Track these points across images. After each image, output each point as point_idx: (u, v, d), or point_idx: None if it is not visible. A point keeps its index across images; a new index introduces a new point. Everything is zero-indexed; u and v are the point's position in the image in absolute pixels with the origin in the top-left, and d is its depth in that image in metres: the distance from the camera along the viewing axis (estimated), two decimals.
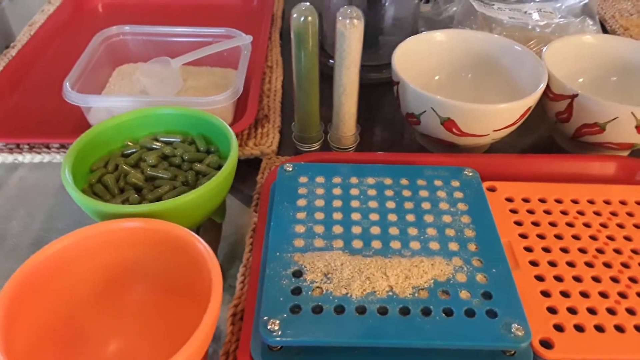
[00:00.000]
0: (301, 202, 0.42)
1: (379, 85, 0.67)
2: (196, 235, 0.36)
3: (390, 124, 0.63)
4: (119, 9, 0.79)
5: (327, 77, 0.53)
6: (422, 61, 0.57)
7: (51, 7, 0.78)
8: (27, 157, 0.54)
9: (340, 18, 0.47)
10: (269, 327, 0.33)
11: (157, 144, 0.48)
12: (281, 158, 0.55)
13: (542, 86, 0.49)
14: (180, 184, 0.45)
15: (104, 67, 0.61)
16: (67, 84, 0.53)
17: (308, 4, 0.47)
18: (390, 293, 0.35)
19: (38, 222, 0.51)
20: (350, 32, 0.47)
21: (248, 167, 0.55)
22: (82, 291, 0.38)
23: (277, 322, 0.33)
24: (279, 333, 0.33)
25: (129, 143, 0.48)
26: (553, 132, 0.59)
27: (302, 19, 0.46)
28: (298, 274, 0.36)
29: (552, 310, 0.37)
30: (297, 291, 0.35)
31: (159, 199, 0.43)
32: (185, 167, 0.47)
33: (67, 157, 0.43)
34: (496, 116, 0.48)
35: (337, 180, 0.44)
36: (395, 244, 0.39)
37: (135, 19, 0.75)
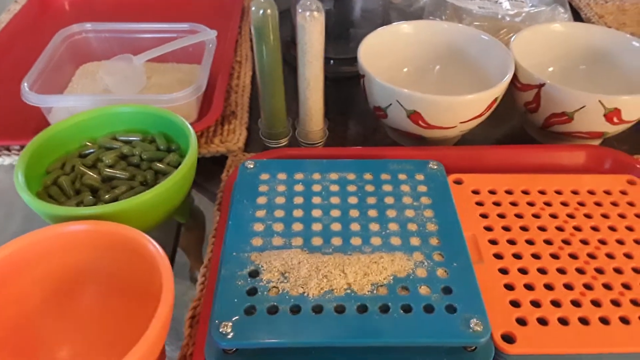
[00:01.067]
0: (261, 200, 0.41)
1: (351, 79, 0.66)
2: (147, 237, 0.35)
3: (363, 118, 0.62)
4: (86, 6, 0.77)
5: (295, 70, 0.52)
6: (389, 53, 0.56)
7: (17, 6, 0.76)
8: None
9: (300, 10, 0.45)
10: (221, 329, 0.32)
11: (116, 143, 0.47)
12: (247, 155, 0.54)
13: (509, 76, 0.48)
14: (138, 184, 0.44)
15: (66, 66, 0.60)
16: (25, 84, 0.52)
17: None
18: (349, 291, 0.34)
19: (14, 224, 0.49)
20: (311, 24, 0.46)
21: (215, 165, 0.54)
22: (33, 296, 0.36)
23: (230, 324, 0.32)
24: (232, 336, 0.32)
25: (87, 143, 0.47)
26: (523, 122, 0.58)
27: (261, 12, 0.45)
28: (254, 274, 0.35)
29: (515, 304, 0.37)
30: (252, 292, 0.34)
31: (115, 199, 0.42)
32: (144, 167, 0.46)
33: (20, 159, 0.42)
34: (462, 107, 0.47)
35: (299, 176, 0.43)
36: (356, 241, 0.38)
37: (103, 16, 0.74)
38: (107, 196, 0.42)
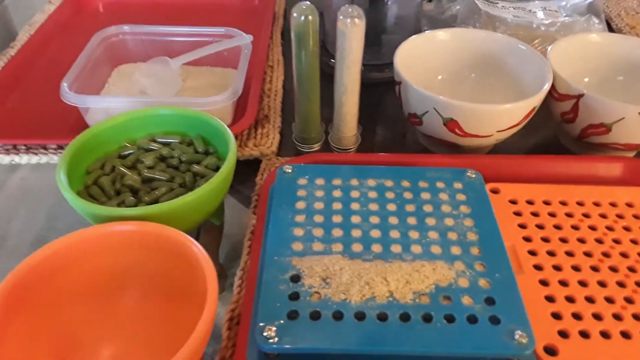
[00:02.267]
0: (300, 205, 0.41)
1: (381, 85, 0.66)
2: (192, 239, 0.36)
3: (393, 124, 0.62)
4: (119, 8, 0.79)
5: (328, 76, 0.52)
6: (424, 60, 0.56)
7: (52, 6, 0.78)
8: (24, 159, 0.53)
9: (341, 17, 0.46)
10: (265, 333, 0.32)
11: (155, 145, 0.47)
12: (281, 159, 0.54)
13: (547, 86, 0.48)
14: (177, 185, 0.44)
15: (103, 67, 0.61)
16: (65, 84, 0.52)
17: (308, 2, 0.47)
18: (391, 298, 0.34)
19: (39, 222, 0.50)
20: (351, 31, 0.46)
21: (248, 168, 0.54)
22: (76, 296, 0.37)
23: (274, 328, 0.32)
24: (276, 340, 0.32)
25: (127, 144, 0.48)
26: (558, 132, 0.58)
27: (303, 18, 0.46)
28: (296, 278, 0.36)
29: (556, 316, 0.36)
30: (294, 296, 0.34)
31: (155, 201, 0.42)
32: (183, 169, 0.46)
33: (62, 159, 0.43)
34: (500, 117, 0.47)
35: (337, 182, 0.43)
36: (396, 248, 0.38)
37: (136, 18, 0.75)
38: (147, 197, 0.43)
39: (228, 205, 0.52)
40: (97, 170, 0.45)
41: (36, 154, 0.54)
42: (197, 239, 0.49)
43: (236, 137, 0.56)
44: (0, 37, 0.73)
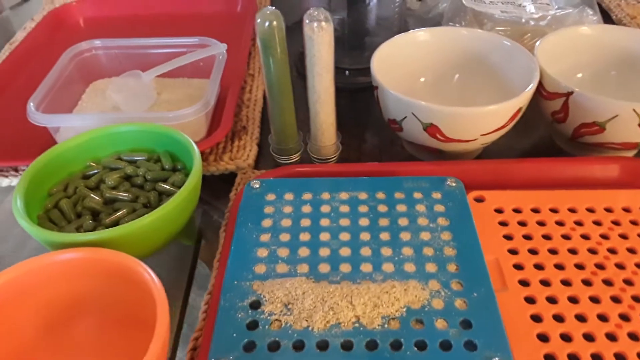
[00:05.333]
0: (266, 223, 0.39)
1: (367, 90, 0.63)
2: (143, 265, 0.33)
3: (380, 130, 0.59)
4: (100, 22, 0.77)
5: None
6: (405, 63, 0.53)
7: (33, 23, 0.77)
8: None
9: (307, 21, 0.43)
10: None
11: (121, 163, 0.45)
12: (257, 172, 0.51)
13: (533, 85, 0.45)
14: (141, 205, 0.42)
15: (76, 84, 0.59)
16: (32, 104, 0.51)
17: (273, 7, 0.44)
18: (357, 324, 0.32)
19: (33, 243, 0.48)
20: (319, 35, 0.43)
21: (224, 183, 0.52)
22: (27, 327, 0.35)
23: None
24: None
25: (92, 164, 0.46)
26: (552, 133, 0.54)
27: (267, 24, 0.43)
28: (256, 305, 0.33)
29: (543, 338, 0.33)
30: (253, 325, 0.32)
31: (116, 223, 0.40)
32: (148, 188, 0.44)
33: (19, 183, 0.41)
34: (483, 119, 0.44)
35: (307, 196, 0.41)
36: (366, 267, 0.35)
37: (118, 32, 0.74)
38: (108, 220, 0.40)
39: (206, 223, 0.50)
40: (60, 193, 0.43)
41: (6, 176, 0.52)
42: (197, 250, 0.47)
43: (212, 151, 0.54)
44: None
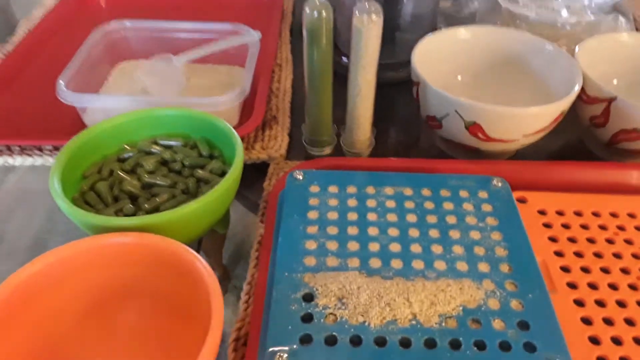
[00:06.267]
0: (312, 215, 0.38)
1: (395, 85, 0.63)
2: (195, 254, 0.32)
3: (408, 127, 0.59)
4: (122, 3, 0.75)
5: (340, 76, 0.49)
6: (443, 60, 0.53)
7: (51, 1, 0.75)
8: (17, 160, 0.50)
9: (357, 13, 0.42)
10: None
11: (157, 148, 0.44)
12: (290, 163, 0.51)
13: (577, 88, 0.45)
14: (180, 192, 0.41)
15: (103, 64, 0.58)
16: (62, 82, 0.49)
17: None
18: (414, 322, 0.31)
19: (37, 224, 0.47)
20: (368, 28, 0.43)
21: (255, 172, 0.51)
22: (70, 312, 0.34)
23: (285, 355, 0.29)
24: None
25: (126, 147, 0.45)
26: (584, 137, 0.54)
27: (316, 14, 0.42)
28: (309, 297, 0.32)
29: (594, 341, 0.33)
30: (307, 318, 0.31)
31: (156, 209, 0.39)
32: (186, 174, 0.43)
33: (56, 163, 0.40)
34: (527, 120, 0.44)
35: (351, 189, 0.40)
36: (418, 264, 0.35)
37: (139, 13, 0.72)
38: (147, 205, 0.40)
39: (232, 208, 0.49)
40: (94, 175, 0.42)
41: (30, 155, 0.51)
42: (199, 241, 0.46)
43: (243, 140, 0.53)
44: (1, 31, 0.70)
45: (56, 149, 0.51)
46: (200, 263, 0.32)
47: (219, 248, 0.46)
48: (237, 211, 0.49)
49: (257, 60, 0.55)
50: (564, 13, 0.59)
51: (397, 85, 0.62)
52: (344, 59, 0.60)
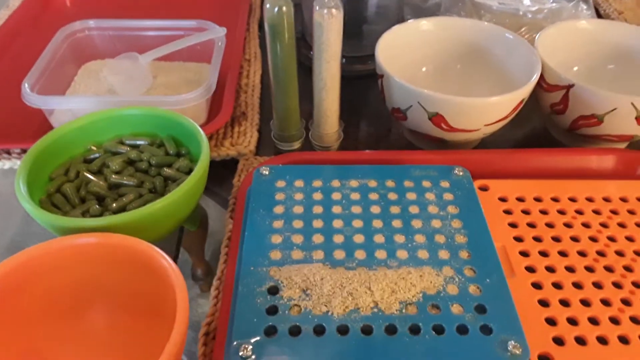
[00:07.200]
0: (278, 209, 0.39)
1: (363, 78, 0.63)
2: (160, 251, 0.33)
3: (377, 119, 0.60)
4: (87, 2, 0.75)
5: (308, 70, 0.50)
6: (408, 52, 0.53)
7: (16, 1, 0.74)
8: None
9: (317, 8, 0.43)
10: (240, 352, 0.30)
11: (123, 147, 0.44)
12: (259, 159, 0.51)
13: (536, 77, 0.46)
14: (147, 191, 0.41)
15: (68, 65, 0.57)
16: (26, 84, 0.49)
17: None
18: (375, 310, 0.32)
19: (13, 227, 0.47)
20: (329, 22, 0.43)
21: (225, 169, 0.52)
22: (39, 313, 0.34)
23: (250, 347, 0.30)
24: (252, 359, 0.29)
25: (92, 147, 0.45)
26: (547, 124, 0.56)
27: (276, 9, 0.43)
28: (274, 290, 0.33)
29: (551, 322, 0.34)
30: (272, 310, 0.32)
31: (122, 209, 0.40)
32: (153, 173, 0.43)
33: (21, 166, 0.40)
34: (487, 110, 0.45)
35: (317, 183, 0.41)
36: (381, 254, 0.36)
37: (105, 12, 0.71)
38: (114, 205, 0.40)
39: (209, 207, 0.50)
40: (61, 177, 0.42)
41: None
42: (179, 239, 0.47)
43: (212, 136, 0.53)
44: None
45: (24, 151, 0.51)
46: (166, 260, 0.32)
47: (200, 245, 0.47)
48: (216, 208, 0.50)
49: (224, 56, 0.56)
50: (526, 1, 0.60)
51: (366, 78, 0.63)
52: (312, 52, 0.60)
